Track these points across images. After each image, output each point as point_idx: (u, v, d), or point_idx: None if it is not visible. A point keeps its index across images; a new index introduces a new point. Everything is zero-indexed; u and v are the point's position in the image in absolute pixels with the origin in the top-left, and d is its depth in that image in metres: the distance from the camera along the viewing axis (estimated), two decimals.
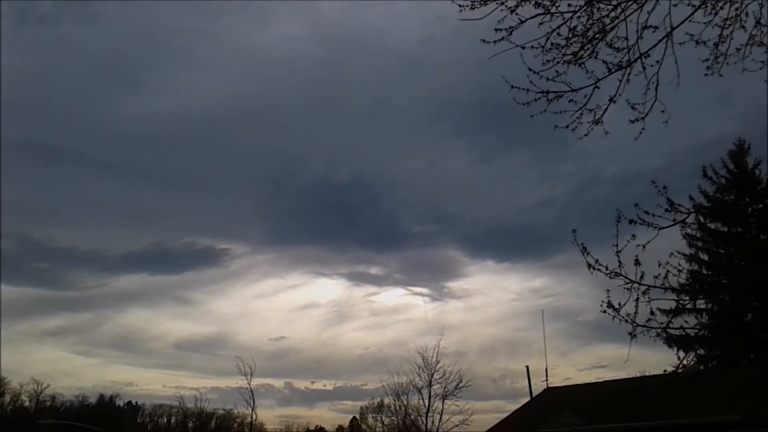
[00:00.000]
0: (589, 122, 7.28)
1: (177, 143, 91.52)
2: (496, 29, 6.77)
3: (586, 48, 6.98)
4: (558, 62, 6.98)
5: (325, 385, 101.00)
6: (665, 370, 29.89)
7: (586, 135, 7.33)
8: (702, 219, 30.84)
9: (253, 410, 47.72)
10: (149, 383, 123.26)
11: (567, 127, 7.31)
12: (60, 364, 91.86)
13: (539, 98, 7.11)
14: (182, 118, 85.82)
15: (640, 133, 7.22)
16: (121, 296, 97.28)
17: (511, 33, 6.79)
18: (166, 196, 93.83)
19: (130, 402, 78.53)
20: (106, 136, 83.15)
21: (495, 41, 6.79)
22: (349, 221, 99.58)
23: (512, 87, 7.16)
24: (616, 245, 7.26)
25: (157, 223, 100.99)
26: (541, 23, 6.90)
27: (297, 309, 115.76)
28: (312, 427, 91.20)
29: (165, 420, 77.64)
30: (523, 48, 6.86)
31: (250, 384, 46.62)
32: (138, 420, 75.60)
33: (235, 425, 75.61)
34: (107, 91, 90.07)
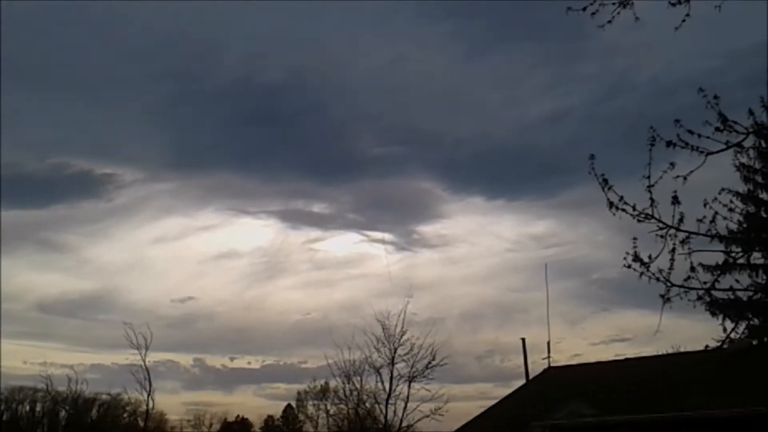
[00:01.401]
0: (614, 3, 7.24)
1: (35, 20, 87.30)
2: None
3: None
4: None
5: (249, 363, 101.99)
6: (707, 346, 30.79)
7: (609, 22, 7.30)
8: (763, 144, 31.22)
9: (149, 395, 47.94)
10: (4, 358, 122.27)
11: (584, 10, 7.26)
12: None
13: None
14: None
15: (683, 20, 7.20)
16: None
17: None
18: (22, 97, 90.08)
19: None
20: None
21: None
22: (283, 138, 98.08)
23: None
24: (648, 177, 7.34)
25: (10, 135, 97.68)
26: None
27: (210, 259, 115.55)
28: (231, 418, 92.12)
29: (27, 408, 77.60)
30: None
31: (144, 360, 46.75)
32: None
33: (125, 415, 76.05)
34: None
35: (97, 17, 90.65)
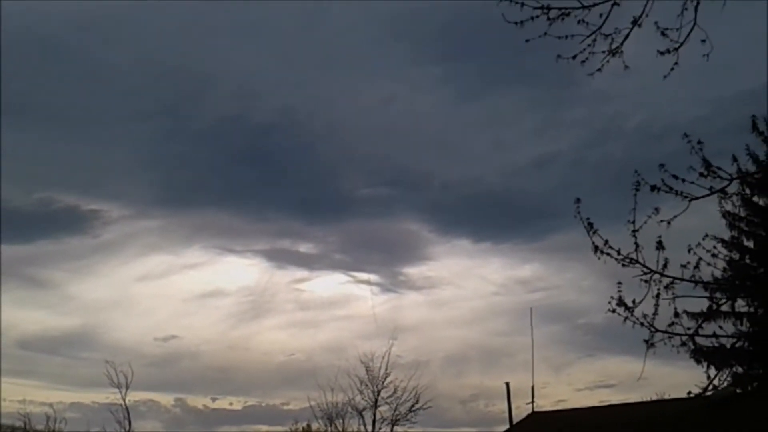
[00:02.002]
0: (604, 52, 7.31)
1: (26, 56, 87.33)
2: None
3: None
4: None
5: (231, 404, 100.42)
6: (689, 392, 30.68)
7: (599, 70, 7.37)
8: (748, 191, 31.26)
9: None
10: None
11: (574, 57, 7.32)
12: None
13: (538, 16, 7.09)
14: (35, 21, 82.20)
15: (672, 69, 7.29)
16: None
17: None
18: (10, 132, 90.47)
19: None
20: None
21: None
22: (271, 178, 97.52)
23: None
24: (633, 221, 7.37)
25: None
26: None
27: (195, 298, 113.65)
28: None
29: None
30: None
31: (125, 399, 46.09)
32: None
33: None
34: None
35: (86, 52, 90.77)
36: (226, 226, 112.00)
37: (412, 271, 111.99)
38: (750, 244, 32.94)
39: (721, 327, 30.66)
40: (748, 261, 32.79)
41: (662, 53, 7.29)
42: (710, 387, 30.91)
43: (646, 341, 8.14)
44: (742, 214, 32.40)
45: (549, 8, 7.05)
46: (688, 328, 8.78)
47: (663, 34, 7.19)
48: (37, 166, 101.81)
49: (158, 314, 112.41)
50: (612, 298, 7.82)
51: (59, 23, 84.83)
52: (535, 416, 32.06)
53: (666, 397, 31.69)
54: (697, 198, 7.42)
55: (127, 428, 46.79)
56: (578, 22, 7.12)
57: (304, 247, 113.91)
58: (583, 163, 76.70)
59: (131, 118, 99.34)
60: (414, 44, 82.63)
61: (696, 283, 7.98)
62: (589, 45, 7.22)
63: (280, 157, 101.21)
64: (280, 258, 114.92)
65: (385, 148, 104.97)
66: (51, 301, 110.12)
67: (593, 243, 7.56)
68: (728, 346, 31.49)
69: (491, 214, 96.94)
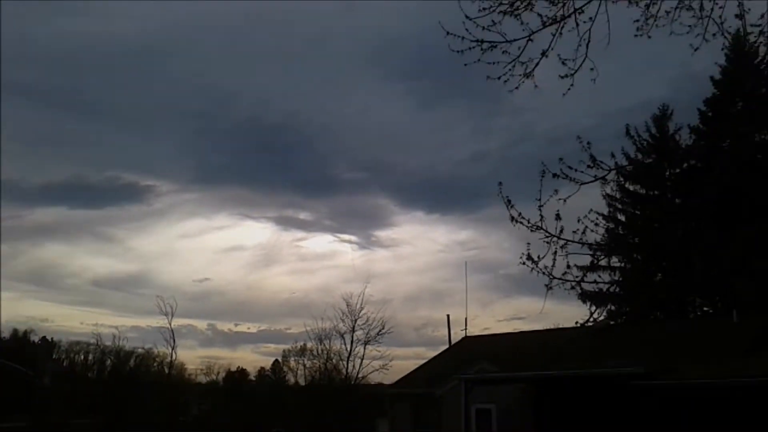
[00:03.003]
0: (520, 75, 7.28)
1: (102, 69, 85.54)
2: None
3: None
4: (494, 11, 6.93)
5: (249, 328, 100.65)
6: (577, 322, 31.08)
7: (516, 88, 7.33)
8: (622, 180, 31.74)
9: (173, 350, 47.19)
10: (66, 320, 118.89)
11: (499, 78, 7.28)
12: None
13: (474, 47, 7.05)
14: (109, 43, 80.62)
15: (569, 89, 7.29)
16: (37, 229, 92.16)
17: None
18: (88, 125, 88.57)
19: (44, 338, 76.37)
20: (23, 56, 76.33)
21: None
22: (280, 164, 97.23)
23: (447, 33, 7.09)
24: (539, 199, 7.36)
25: (78, 154, 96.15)
26: None
27: (222, 251, 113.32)
28: (234, 369, 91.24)
29: (82, 357, 76.08)
30: None
31: (170, 324, 45.94)
32: (54, 356, 73.75)
33: (155, 364, 74.85)
34: (27, 6, 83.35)
35: (143, 67, 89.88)
36: (246, 198, 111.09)
37: (381, 234, 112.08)
38: (622, 218, 33.50)
39: (600, 276, 31.28)
40: (620, 230, 33.32)
41: (562, 77, 7.28)
42: (591, 320, 31.42)
43: (546, 285, 8.13)
44: (618, 196, 32.97)
45: (482, 41, 7.02)
46: (576, 277, 8.75)
47: (563, 63, 7.18)
48: (107, 152, 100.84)
49: (195, 263, 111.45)
50: (523, 254, 7.81)
51: (133, 44, 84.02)
52: (467, 339, 32.39)
53: (561, 326, 32.02)
54: (585, 183, 7.41)
55: (172, 345, 46.88)
56: (503, 52, 7.10)
57: (303, 215, 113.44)
58: (506, 158, 76.93)
59: (177, 118, 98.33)
60: (387, 67, 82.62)
61: (583, 244, 7.97)
62: (509, 69, 7.18)
63: (287, 149, 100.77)
64: (285, 223, 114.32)
65: (364, 143, 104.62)
66: (116, 251, 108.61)
67: (510, 215, 7.53)
68: (605, 290, 31.99)
69: (440, 194, 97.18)
